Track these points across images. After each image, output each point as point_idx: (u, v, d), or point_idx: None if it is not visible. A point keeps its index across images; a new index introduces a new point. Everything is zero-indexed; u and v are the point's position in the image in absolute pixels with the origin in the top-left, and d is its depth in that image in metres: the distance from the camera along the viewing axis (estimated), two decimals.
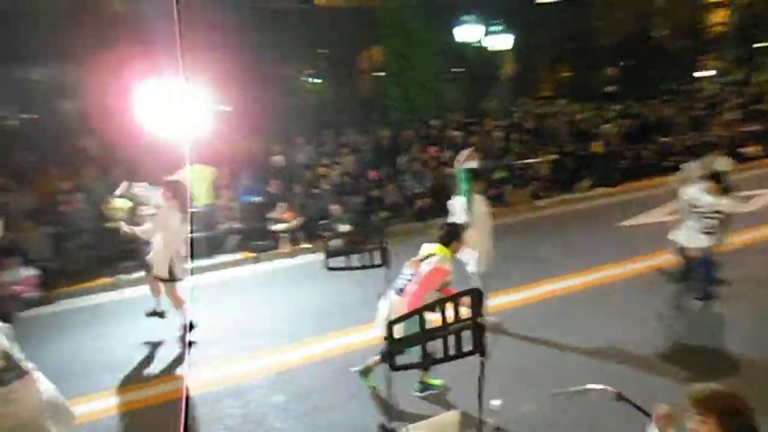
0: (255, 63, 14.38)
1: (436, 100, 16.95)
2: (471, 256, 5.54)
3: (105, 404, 4.93)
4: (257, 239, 9.31)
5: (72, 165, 8.87)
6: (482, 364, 2.21)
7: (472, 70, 18.62)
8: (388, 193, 10.24)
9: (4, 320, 5.45)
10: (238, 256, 9.11)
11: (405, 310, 4.18)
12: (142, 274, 8.58)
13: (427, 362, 2.29)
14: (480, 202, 5.64)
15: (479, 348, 2.13)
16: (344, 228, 9.30)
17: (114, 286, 8.26)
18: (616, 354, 5.08)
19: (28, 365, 3.07)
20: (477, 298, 2.16)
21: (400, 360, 2.22)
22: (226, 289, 8.09)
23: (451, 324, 2.15)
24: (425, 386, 4.62)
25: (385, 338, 2.25)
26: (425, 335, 2.22)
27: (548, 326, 5.76)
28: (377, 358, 4.55)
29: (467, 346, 2.14)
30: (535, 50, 21.27)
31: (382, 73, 18.90)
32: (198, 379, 5.23)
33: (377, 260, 3.62)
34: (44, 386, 3.13)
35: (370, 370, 4.69)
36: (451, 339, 2.14)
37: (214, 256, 9.05)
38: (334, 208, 9.41)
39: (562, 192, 11.15)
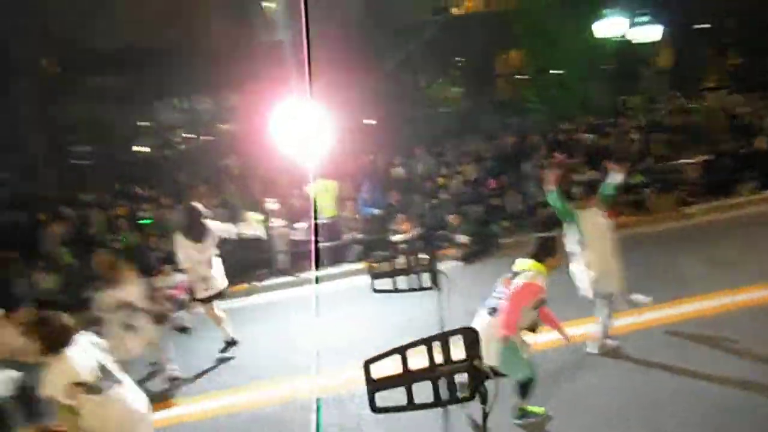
0: (386, 78, 14.94)
1: (577, 100, 15.95)
2: (585, 277, 5.11)
3: (222, 402, 5.42)
4: (378, 250, 9.60)
5: (218, 182, 10.04)
6: (484, 414, 1.97)
7: (616, 67, 17.20)
8: (509, 201, 9.86)
9: (160, 321, 6.42)
10: (360, 266, 9.46)
11: (496, 331, 4.01)
12: (274, 280, 9.46)
13: (411, 408, 2.01)
14: (595, 216, 5.18)
15: (478, 394, 1.90)
16: (462, 239, 9.18)
17: (249, 292, 9.13)
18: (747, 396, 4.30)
19: (122, 376, 3.51)
20: (471, 338, 1.93)
21: (383, 401, 2.05)
22: (346, 297, 8.44)
23: (441, 366, 1.97)
24: (524, 413, 4.36)
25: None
26: (406, 376, 2.03)
27: (675, 355, 5.06)
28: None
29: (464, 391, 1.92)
30: (695, 38, 18.97)
31: (520, 77, 18.38)
32: (306, 384, 5.52)
33: (427, 283, 3.48)
34: (134, 395, 3.53)
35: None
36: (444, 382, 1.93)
37: (338, 265, 9.52)
38: (451, 218, 9.33)
39: (716, 197, 9.70)
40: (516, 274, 4.26)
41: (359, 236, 9.67)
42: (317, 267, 9.53)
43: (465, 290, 7.21)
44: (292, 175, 9.23)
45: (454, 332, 1.95)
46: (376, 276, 3.52)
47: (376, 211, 9.67)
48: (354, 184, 9.97)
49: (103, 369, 3.33)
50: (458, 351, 1.98)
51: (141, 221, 9.53)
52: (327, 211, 9.74)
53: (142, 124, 19.00)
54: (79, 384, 3.17)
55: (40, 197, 10.99)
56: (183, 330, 6.98)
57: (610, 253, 5.12)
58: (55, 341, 3.24)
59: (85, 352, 3.35)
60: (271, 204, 9.47)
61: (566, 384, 4.88)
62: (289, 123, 7.90)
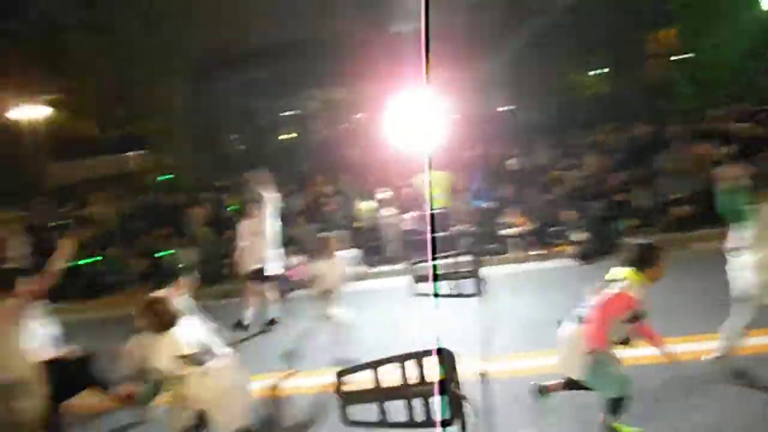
0: (515, 63, 14.33)
1: (739, 84, 13.89)
2: (749, 279, 4.48)
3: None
4: (487, 243, 9.39)
5: (335, 172, 10.56)
6: None
7: None
8: (637, 197, 8.98)
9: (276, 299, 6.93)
10: (468, 258, 9.33)
11: (583, 342, 3.75)
12: (383, 268, 9.73)
13: (383, 425, 1.91)
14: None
15: (456, 420, 1.78)
16: (578, 236, 8.61)
17: (359, 278, 9.49)
18: None
19: (223, 351, 3.89)
20: (448, 360, 1.80)
21: (356, 414, 1.97)
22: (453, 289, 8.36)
23: (414, 385, 1.86)
24: None
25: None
26: (378, 393, 1.93)
27: None
28: (556, 382, 4.20)
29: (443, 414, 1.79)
30: None
31: (675, 57, 16.48)
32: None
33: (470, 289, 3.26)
34: (234, 368, 3.89)
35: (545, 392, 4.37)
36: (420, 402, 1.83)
37: (446, 256, 9.49)
38: (567, 214, 8.77)
39: None
40: (608, 282, 3.93)
41: (469, 228, 9.54)
42: (429, 257, 9.61)
43: (573, 292, 6.84)
44: (406, 165, 9.36)
45: (427, 353, 1.86)
46: (419, 279, 3.39)
47: (486, 204, 9.43)
48: (467, 176, 9.81)
49: (203, 345, 3.76)
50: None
51: None
52: (438, 201, 9.74)
53: (286, 113, 20.56)
54: (182, 357, 3.63)
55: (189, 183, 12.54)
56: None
57: None
58: (163, 322, 3.74)
59: (188, 330, 3.81)
60: (383, 194, 9.73)
61: (669, 404, 4.40)
62: (406, 112, 8.02)
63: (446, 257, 3.43)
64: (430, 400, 1.80)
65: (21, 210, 12.71)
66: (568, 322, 3.97)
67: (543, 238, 9.11)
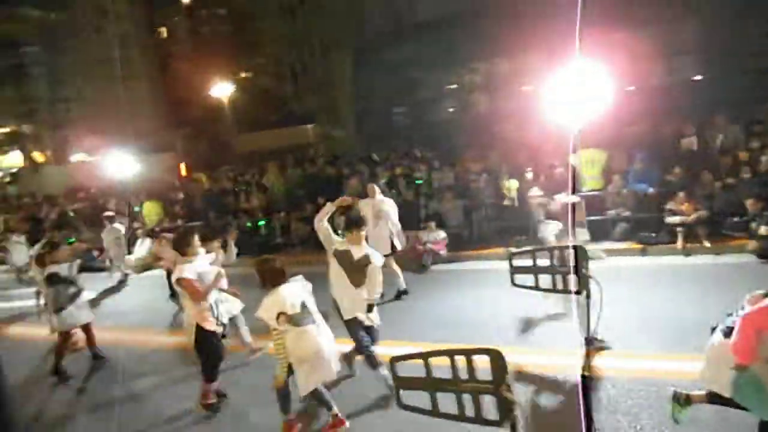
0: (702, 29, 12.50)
1: None
2: None
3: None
4: (648, 230, 8.55)
5: (487, 148, 10.38)
6: None
7: None
8: None
9: (418, 271, 7.21)
10: (623, 245, 8.62)
11: (727, 356, 3.35)
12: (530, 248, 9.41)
13: (434, 414, 1.85)
14: None
15: (504, 421, 1.70)
16: (763, 230, 7.40)
17: (502, 257, 9.32)
18: None
19: (318, 317, 4.27)
20: (497, 362, 1.70)
21: (408, 399, 1.97)
22: (603, 277, 7.82)
23: (464, 382, 1.82)
24: None
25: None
26: (430, 383, 1.92)
27: None
28: (700, 393, 3.78)
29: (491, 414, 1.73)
30: None
31: None
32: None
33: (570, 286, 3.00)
34: (324, 334, 4.26)
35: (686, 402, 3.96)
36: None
37: (599, 242, 8.86)
38: (750, 203, 7.58)
39: None
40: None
41: (626, 213, 8.76)
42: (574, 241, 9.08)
43: (743, 294, 6.04)
44: (563, 142, 8.85)
45: (478, 351, 1.81)
46: (516, 270, 3.20)
47: (648, 188, 8.53)
48: (626, 155, 8.95)
49: (303, 307, 4.16)
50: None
51: (416, 180, 10.65)
52: (592, 183, 9.08)
53: (450, 87, 20.57)
54: (283, 314, 4.07)
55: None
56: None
57: None
58: (272, 279, 4.23)
59: (294, 292, 4.23)
60: (530, 172, 9.36)
61: None
62: (567, 84, 7.62)
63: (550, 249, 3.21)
64: (481, 398, 1.81)
65: (210, 175, 14.83)
66: (719, 331, 3.54)
67: (719, 229, 8.02)
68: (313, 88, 14.61)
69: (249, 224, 11.85)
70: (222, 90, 16.77)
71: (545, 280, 4.02)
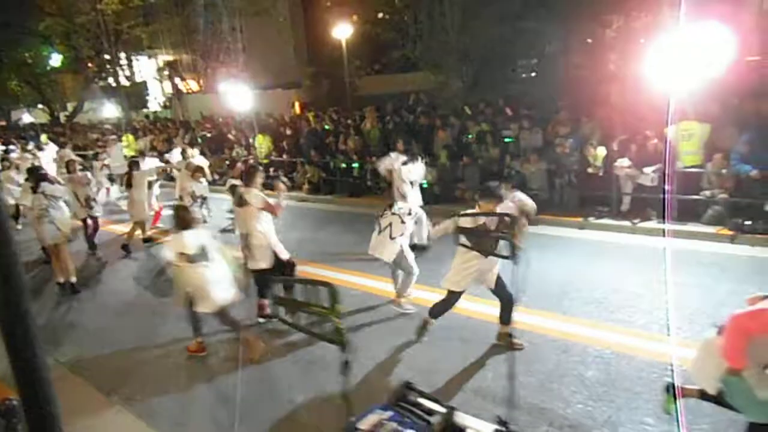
0: None
1: None
2: None
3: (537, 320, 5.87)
4: (743, 217, 7.80)
5: (583, 111, 9.89)
6: (345, 362, 2.26)
7: None
8: None
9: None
10: (712, 229, 7.98)
11: (714, 354, 3.30)
12: (609, 221, 9.02)
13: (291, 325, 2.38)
14: None
15: (336, 342, 2.14)
16: None
17: (581, 225, 9.07)
18: None
19: (216, 258, 5.23)
20: (331, 293, 2.17)
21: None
22: (676, 259, 7.39)
23: (308, 305, 2.23)
24: None
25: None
26: (294, 304, 2.33)
27: None
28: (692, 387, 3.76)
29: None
30: None
31: None
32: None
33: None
34: (218, 272, 5.21)
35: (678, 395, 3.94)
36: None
37: (686, 222, 8.28)
38: None
39: None
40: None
41: (722, 195, 8.02)
42: (663, 219, 8.54)
43: None
44: (659, 112, 8.22)
45: (320, 282, 2.22)
46: (461, 231, 3.36)
47: (753, 170, 7.69)
48: (736, 132, 8.06)
49: (201, 249, 5.12)
50: None
51: (504, 138, 10.51)
52: (688, 159, 8.36)
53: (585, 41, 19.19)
54: (182, 253, 5.05)
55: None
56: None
57: None
58: (182, 224, 5.22)
59: (195, 237, 5.18)
60: (620, 141, 8.82)
61: None
62: (675, 49, 7.11)
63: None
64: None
65: (316, 115, 15.69)
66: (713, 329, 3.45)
67: None
68: (422, 36, 14.57)
69: (344, 165, 12.59)
70: (342, 32, 17.39)
71: None
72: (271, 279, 5.64)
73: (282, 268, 6.14)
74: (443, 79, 14.96)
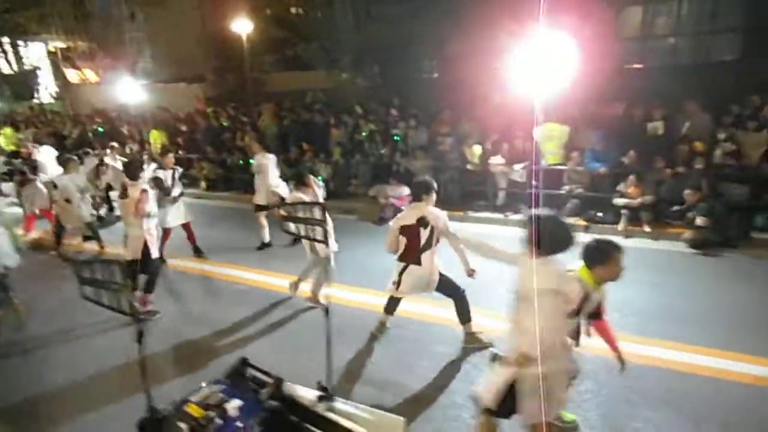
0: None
1: None
2: None
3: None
4: (596, 209, 8.75)
5: (463, 112, 10.54)
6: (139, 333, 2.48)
7: None
8: None
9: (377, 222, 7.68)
10: (572, 221, 8.85)
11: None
12: (487, 214, 9.73)
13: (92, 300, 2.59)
14: None
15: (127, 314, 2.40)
16: (699, 220, 7.52)
17: (462, 218, 9.69)
18: None
19: None
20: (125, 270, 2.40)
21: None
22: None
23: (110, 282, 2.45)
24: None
25: None
26: (92, 281, 2.55)
27: None
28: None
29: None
30: None
31: None
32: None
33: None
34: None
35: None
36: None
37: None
38: (688, 194, 7.66)
39: None
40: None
41: (579, 190, 8.93)
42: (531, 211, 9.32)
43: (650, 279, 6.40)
44: (528, 114, 8.97)
45: (116, 262, 2.44)
46: (285, 218, 3.53)
47: (601, 167, 8.65)
48: (590, 133, 9.00)
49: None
50: None
51: (394, 137, 10.96)
52: (551, 157, 9.22)
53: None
54: None
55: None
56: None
57: None
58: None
59: None
60: (494, 141, 9.55)
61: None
62: (533, 58, 7.75)
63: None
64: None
65: (215, 111, 15.39)
66: None
67: (661, 216, 8.17)
68: (315, 36, 14.72)
69: (240, 161, 12.52)
70: (241, 26, 17.10)
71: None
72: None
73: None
74: (348, 77, 15.15)
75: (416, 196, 5.22)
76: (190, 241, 8.26)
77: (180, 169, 8.34)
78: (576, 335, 3.80)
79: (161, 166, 8.55)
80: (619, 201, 8.36)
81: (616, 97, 9.47)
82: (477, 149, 9.64)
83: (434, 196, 5.18)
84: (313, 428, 2.66)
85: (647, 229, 8.15)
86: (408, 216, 5.10)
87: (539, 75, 7.99)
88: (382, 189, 10.30)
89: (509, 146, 9.38)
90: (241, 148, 12.67)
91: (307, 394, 2.92)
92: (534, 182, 9.17)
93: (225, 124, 13.97)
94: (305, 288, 6.40)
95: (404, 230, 5.08)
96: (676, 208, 7.93)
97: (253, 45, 19.20)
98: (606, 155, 8.74)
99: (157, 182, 7.51)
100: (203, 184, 12.97)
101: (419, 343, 5.32)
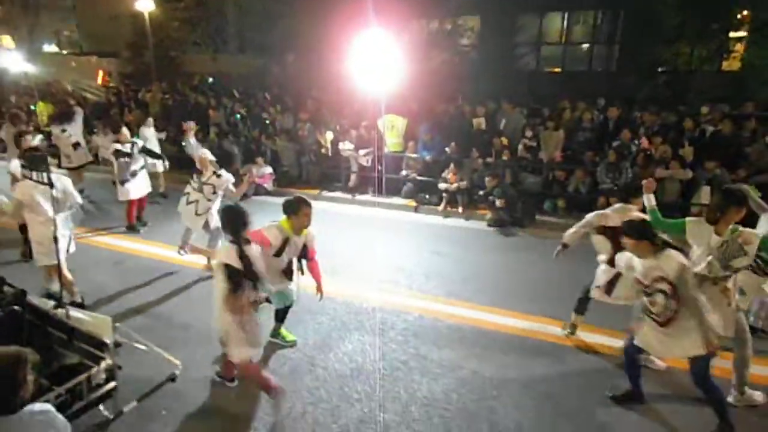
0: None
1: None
2: None
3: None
4: (425, 192, 9.94)
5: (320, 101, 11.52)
6: None
7: None
8: (575, 180, 8.80)
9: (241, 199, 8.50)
10: (404, 202, 10.01)
11: None
12: (338, 194, 10.75)
13: None
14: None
15: None
16: (499, 202, 8.82)
17: (316, 197, 10.66)
18: None
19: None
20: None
21: None
22: (371, 224, 9.24)
23: None
24: (277, 335, 5.11)
25: None
26: None
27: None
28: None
29: None
30: None
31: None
32: None
33: None
34: None
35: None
36: None
37: (391, 197, 10.24)
38: (488, 180, 8.96)
39: None
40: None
41: (413, 175, 10.10)
42: (376, 193, 10.44)
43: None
44: (371, 106, 10.03)
45: None
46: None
47: (428, 156, 9.85)
48: (424, 125, 10.19)
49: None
50: None
51: (264, 120, 11.77)
52: (392, 145, 10.34)
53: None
54: None
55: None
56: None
57: None
58: None
59: None
60: (340, 128, 10.58)
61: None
62: (370, 54, 8.74)
63: None
64: None
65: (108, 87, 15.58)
66: None
67: (471, 198, 9.45)
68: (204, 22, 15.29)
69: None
70: (144, 5, 17.27)
71: None
72: None
73: None
74: (262, 64, 15.78)
75: None
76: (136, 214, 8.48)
77: (140, 143, 8.63)
78: (289, 272, 4.85)
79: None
80: (441, 185, 9.57)
81: (454, 94, 10.72)
82: (329, 135, 10.62)
83: None
84: (45, 326, 3.59)
85: (460, 210, 9.41)
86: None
87: (383, 72, 9.09)
88: (249, 168, 11.10)
89: (357, 134, 10.41)
90: (126, 123, 13.07)
91: (46, 304, 3.85)
92: (378, 167, 10.30)
93: (112, 99, 14.28)
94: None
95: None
96: (481, 192, 9.22)
97: (163, 24, 19.40)
98: (434, 145, 9.93)
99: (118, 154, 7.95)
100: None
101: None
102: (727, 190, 3.92)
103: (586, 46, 17.30)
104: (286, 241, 4.61)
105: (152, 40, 18.69)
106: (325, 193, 10.68)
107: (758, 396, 4.18)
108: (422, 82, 9.16)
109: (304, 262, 4.86)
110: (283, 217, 4.62)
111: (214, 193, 6.69)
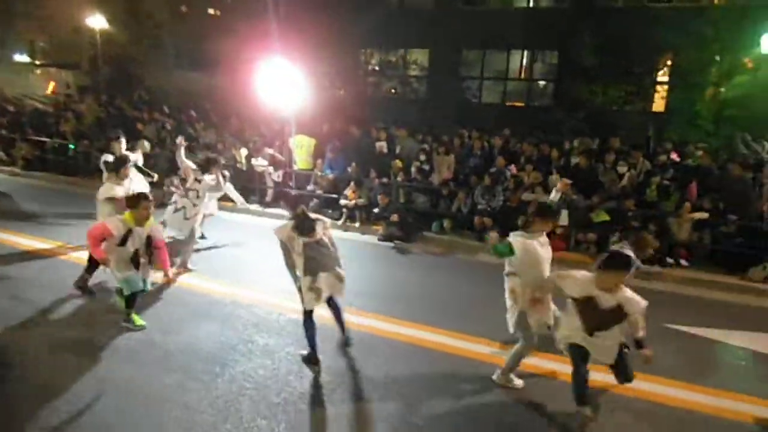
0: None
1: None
2: None
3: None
4: (328, 208, 10.63)
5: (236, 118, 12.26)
6: None
7: None
8: (458, 201, 9.62)
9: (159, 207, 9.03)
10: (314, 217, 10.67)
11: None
12: (253, 207, 11.37)
13: None
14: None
15: None
16: (393, 217, 9.53)
17: (232, 210, 11.21)
18: None
19: None
20: None
21: None
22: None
23: None
24: (127, 319, 5.51)
25: None
26: None
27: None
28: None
29: None
30: None
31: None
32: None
33: None
34: None
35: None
36: None
37: None
38: (380, 198, 9.72)
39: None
40: None
41: (319, 192, 10.81)
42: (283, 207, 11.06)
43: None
44: (284, 126, 10.79)
45: None
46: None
47: (330, 174, 10.60)
48: (331, 146, 10.96)
49: None
50: None
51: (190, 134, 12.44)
52: (301, 162, 11.06)
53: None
54: None
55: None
56: None
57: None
58: None
59: None
60: (252, 146, 11.28)
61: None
62: (283, 79, 9.52)
63: None
64: None
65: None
66: None
67: (368, 215, 10.17)
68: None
69: (56, 145, 13.42)
70: (95, 21, 17.92)
71: None
72: None
73: None
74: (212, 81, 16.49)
75: None
76: None
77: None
78: (135, 261, 5.44)
79: None
80: (342, 201, 10.28)
81: (358, 119, 11.56)
82: (243, 151, 11.30)
83: None
84: None
85: (357, 225, 10.11)
86: None
87: (294, 95, 9.95)
88: (171, 179, 11.68)
89: (273, 151, 11.11)
90: (62, 132, 13.59)
91: None
92: (289, 183, 10.99)
93: (50, 110, 14.78)
94: None
95: None
96: (376, 210, 9.95)
97: (121, 41, 20.03)
98: (338, 165, 10.68)
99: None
100: (20, 162, 13.71)
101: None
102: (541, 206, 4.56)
103: (524, 82, 18.57)
104: (129, 232, 5.23)
105: (104, 56, 19.38)
106: (240, 205, 11.25)
107: (518, 383, 4.80)
108: (334, 107, 9.98)
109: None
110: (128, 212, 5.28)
111: (198, 197, 7.34)
